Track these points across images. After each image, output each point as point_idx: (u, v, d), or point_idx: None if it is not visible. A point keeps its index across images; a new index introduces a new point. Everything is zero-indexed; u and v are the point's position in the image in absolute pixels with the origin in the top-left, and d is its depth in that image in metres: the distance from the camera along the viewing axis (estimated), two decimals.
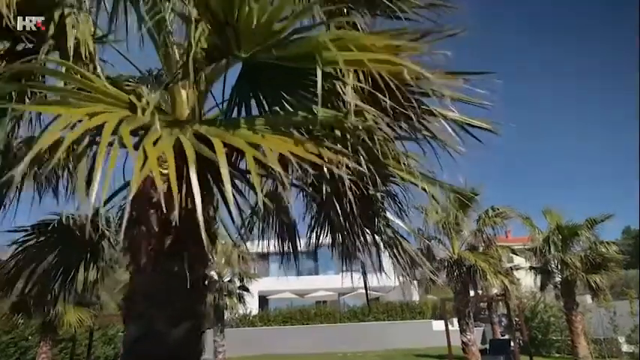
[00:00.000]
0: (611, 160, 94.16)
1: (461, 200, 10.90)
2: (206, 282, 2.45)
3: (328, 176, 1.99)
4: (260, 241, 3.70)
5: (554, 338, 20.79)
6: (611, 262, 13.19)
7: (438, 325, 28.43)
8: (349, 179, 1.78)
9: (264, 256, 38.22)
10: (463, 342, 10.94)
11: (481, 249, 11.76)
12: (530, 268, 14.26)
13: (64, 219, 3.03)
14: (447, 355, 16.80)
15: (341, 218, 2.22)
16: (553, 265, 13.98)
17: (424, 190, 2.39)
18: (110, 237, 3.20)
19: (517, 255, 12.49)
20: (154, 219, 2.45)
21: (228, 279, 16.20)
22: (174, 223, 2.30)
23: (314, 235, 3.20)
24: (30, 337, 16.35)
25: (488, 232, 11.57)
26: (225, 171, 1.27)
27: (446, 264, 11.18)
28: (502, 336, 20.68)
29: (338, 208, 2.23)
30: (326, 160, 1.43)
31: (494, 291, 18.80)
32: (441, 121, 2.43)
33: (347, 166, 1.66)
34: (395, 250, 2.96)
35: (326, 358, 21.93)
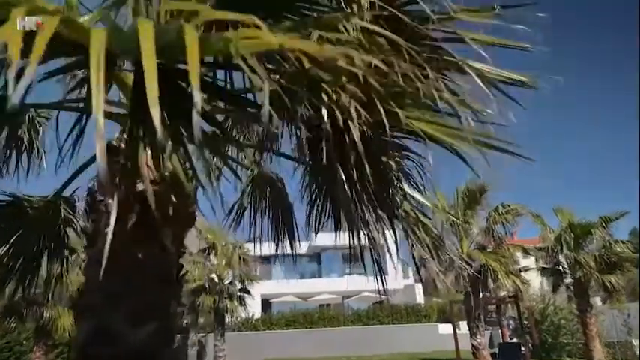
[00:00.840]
0: (612, 161, 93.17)
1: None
2: (181, 274, 1.99)
3: (330, 126, 1.51)
4: (253, 229, 3.21)
5: (565, 341, 20.16)
6: (626, 262, 12.64)
7: (445, 328, 27.81)
8: (358, 126, 1.33)
9: (266, 259, 37.85)
10: (473, 345, 10.41)
11: (491, 248, 11.25)
12: (543, 268, 13.70)
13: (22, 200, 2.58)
14: (455, 359, 16.25)
15: (346, 185, 1.75)
16: (565, 265, 13.42)
17: (456, 153, 1.87)
18: (75, 222, 2.74)
19: (529, 254, 11.94)
20: (118, 193, 2.00)
21: (229, 281, 15.73)
22: (145, 199, 1.87)
23: (314, 214, 2.67)
24: (25, 342, 15.93)
25: (498, 230, 11.05)
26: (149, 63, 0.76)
27: (454, 264, 10.64)
28: (510, 339, 20.10)
29: (342, 174, 1.76)
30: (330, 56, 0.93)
31: (502, 293, 18.26)
32: (472, 75, 1.93)
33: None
34: (416, 230, 2.45)
35: None
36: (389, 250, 2.17)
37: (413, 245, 2.37)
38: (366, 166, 1.62)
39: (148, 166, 1.79)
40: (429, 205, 2.49)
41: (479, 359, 10.32)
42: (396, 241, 2.26)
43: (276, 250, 3.15)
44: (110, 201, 2.02)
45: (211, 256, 15.69)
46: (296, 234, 3.11)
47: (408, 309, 27.40)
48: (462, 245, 11.19)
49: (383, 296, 32.45)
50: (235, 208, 3.08)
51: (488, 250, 11.13)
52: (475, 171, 1.93)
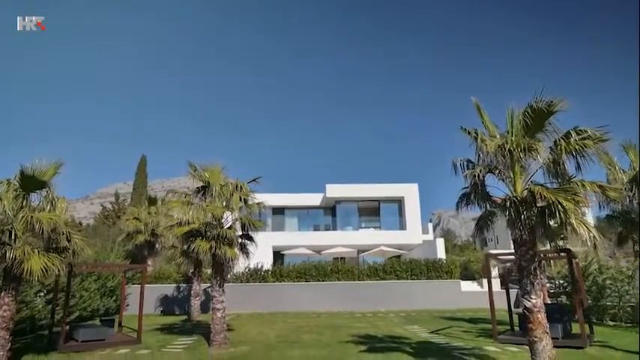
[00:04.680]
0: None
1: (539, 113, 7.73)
2: None
3: None
4: None
5: (609, 304, 17.84)
6: None
7: (467, 285, 25.83)
8: None
9: (279, 210, 35.94)
10: (526, 307, 8.06)
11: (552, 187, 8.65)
12: (609, 217, 11.11)
13: None
14: (488, 318, 14.14)
15: None
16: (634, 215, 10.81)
17: None
18: None
19: (607, 195, 9.12)
20: None
21: (228, 226, 13.60)
22: None
23: None
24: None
25: (568, 163, 8.36)
26: None
27: (508, 204, 8.11)
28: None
29: None
30: None
31: (544, 247, 15.77)
32: None
33: None
34: None
35: (341, 318, 19.58)
36: None
37: None
38: None
39: None
40: None
41: (533, 324, 7.99)
42: None
43: None
44: None
45: (208, 197, 13.48)
46: None
47: (429, 264, 25.27)
48: (515, 182, 8.59)
49: (400, 251, 30.35)
50: None
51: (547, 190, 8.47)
52: None
